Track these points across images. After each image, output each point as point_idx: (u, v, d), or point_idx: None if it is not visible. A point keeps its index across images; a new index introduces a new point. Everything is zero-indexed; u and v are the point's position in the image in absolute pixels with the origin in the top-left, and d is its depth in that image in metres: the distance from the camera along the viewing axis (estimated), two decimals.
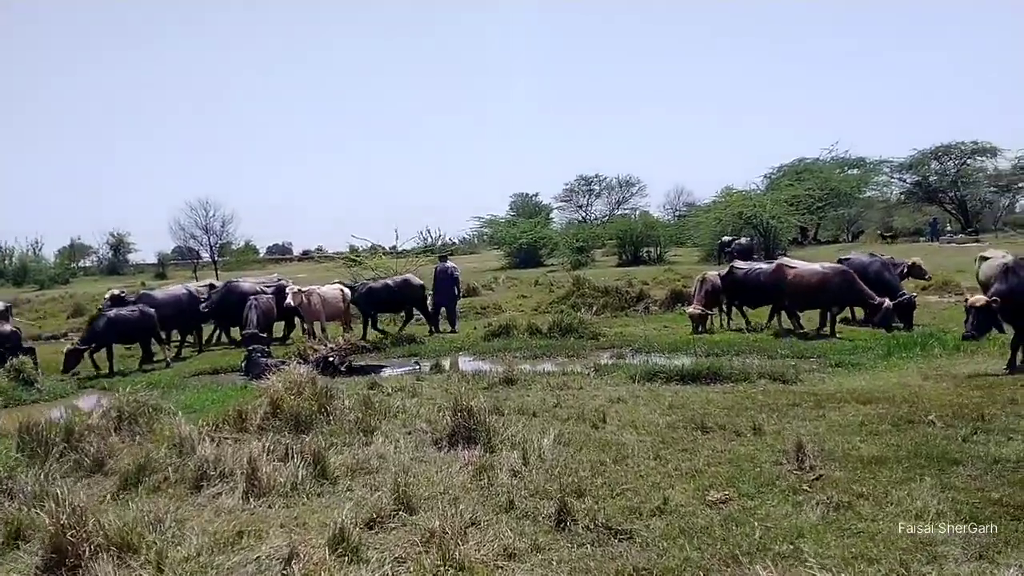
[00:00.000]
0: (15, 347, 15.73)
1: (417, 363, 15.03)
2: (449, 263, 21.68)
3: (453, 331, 20.23)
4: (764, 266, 18.28)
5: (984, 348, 12.29)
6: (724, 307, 18.77)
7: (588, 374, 12.41)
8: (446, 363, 14.95)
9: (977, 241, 47.98)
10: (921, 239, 53.46)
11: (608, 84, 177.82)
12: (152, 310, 17.00)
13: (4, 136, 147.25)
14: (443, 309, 21.13)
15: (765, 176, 63.58)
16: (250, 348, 15.66)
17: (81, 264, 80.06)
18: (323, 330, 19.41)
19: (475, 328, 20.34)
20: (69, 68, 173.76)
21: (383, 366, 14.89)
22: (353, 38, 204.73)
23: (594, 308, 21.89)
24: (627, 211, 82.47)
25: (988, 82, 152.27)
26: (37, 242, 74.79)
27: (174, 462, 7.09)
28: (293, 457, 6.99)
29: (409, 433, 8.46)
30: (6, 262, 69.34)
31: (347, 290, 20.19)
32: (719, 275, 19.84)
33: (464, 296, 28.57)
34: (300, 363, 15.14)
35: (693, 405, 9.43)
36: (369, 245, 32.40)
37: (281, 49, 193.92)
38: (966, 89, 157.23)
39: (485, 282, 33.87)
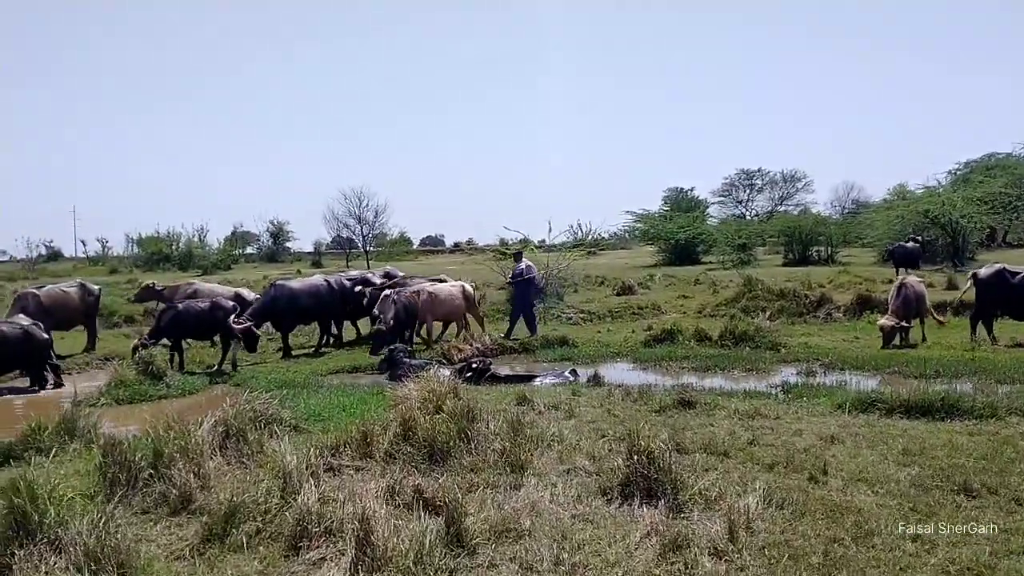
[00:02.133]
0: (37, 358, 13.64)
1: (574, 371, 13.26)
2: (523, 263, 18.95)
3: (532, 335, 17.66)
4: None
5: None
6: (981, 320, 15.69)
7: (781, 398, 10.30)
8: (604, 372, 13.16)
9: None
10: None
11: (768, 73, 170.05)
12: (229, 304, 15.69)
13: (176, 129, 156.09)
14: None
15: (950, 172, 58.24)
16: (392, 347, 14.32)
17: (243, 251, 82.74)
18: (429, 333, 17.90)
19: (632, 331, 18.37)
20: (233, 65, 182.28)
21: (532, 375, 13.19)
22: (503, 25, 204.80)
23: (768, 313, 19.47)
24: (791, 207, 78.23)
25: None
26: (203, 228, 77.73)
27: (273, 505, 5.57)
28: (421, 509, 5.34)
29: (568, 472, 6.67)
30: (173, 247, 72.19)
31: (468, 287, 18.62)
32: (921, 280, 17.14)
33: (619, 294, 26.69)
34: (443, 366, 13.83)
35: (935, 451, 7.19)
36: (520, 238, 30.84)
37: (429, 40, 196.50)
38: None
39: (640, 279, 31.65)
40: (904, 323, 15.35)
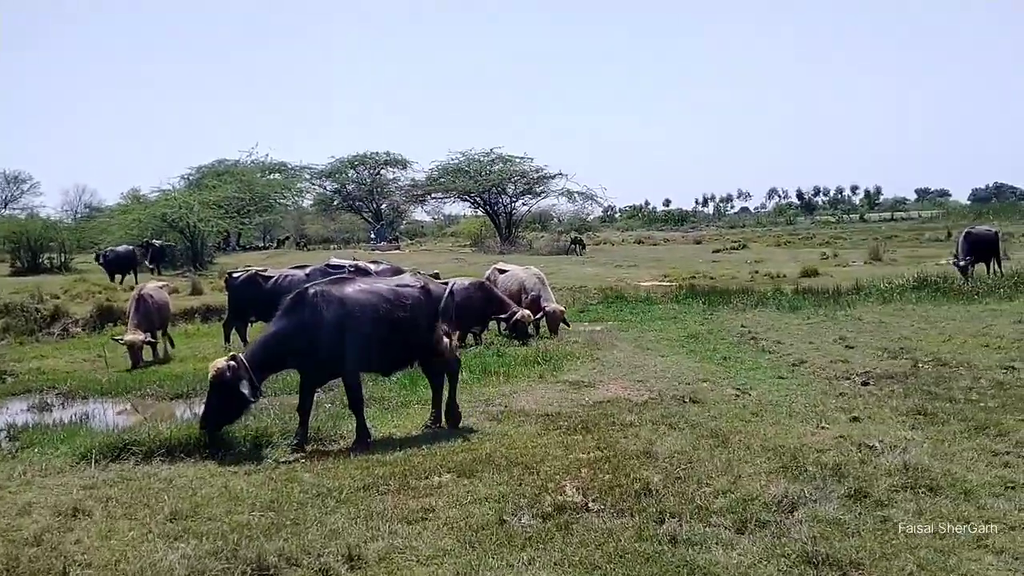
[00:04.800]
0: None
1: None
2: None
3: None
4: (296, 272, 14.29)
5: None
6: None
7: (5, 451, 7.77)
8: None
9: (398, 248, 50.29)
10: (333, 247, 54.59)
11: None
12: None
13: None
14: None
15: (182, 177, 59.05)
16: None
17: None
18: None
19: None
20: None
21: None
22: None
23: None
24: (16, 211, 70.71)
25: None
26: None
27: None
28: None
29: None
30: None
31: None
32: (164, 287, 15.83)
33: None
34: None
35: (212, 507, 5.75)
36: None
37: None
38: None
39: None
40: (151, 337, 13.77)
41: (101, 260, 31.01)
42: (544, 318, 14.32)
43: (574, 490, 5.73)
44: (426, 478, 6.29)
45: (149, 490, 6.22)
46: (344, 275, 9.67)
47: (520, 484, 6.02)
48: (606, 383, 9.97)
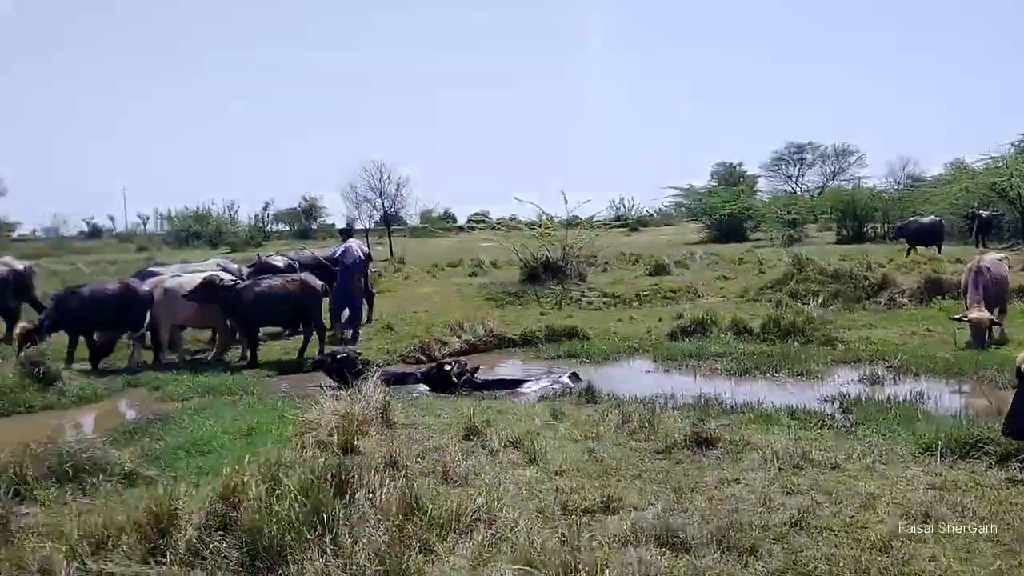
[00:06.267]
0: None
1: (575, 375, 10.57)
2: (352, 243, 15.03)
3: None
4: None
5: None
6: None
7: (839, 424, 7.45)
8: (612, 375, 10.47)
9: None
10: None
11: (819, 45, 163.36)
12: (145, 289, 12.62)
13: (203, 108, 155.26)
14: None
15: (1013, 144, 53.67)
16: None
17: (274, 228, 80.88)
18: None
19: (659, 320, 15.44)
20: (247, 41, 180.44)
21: (519, 379, 10.51)
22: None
23: (821, 298, 16.43)
24: (843, 182, 73.96)
25: None
26: (233, 204, 76.30)
27: None
28: None
29: None
30: (204, 225, 70.58)
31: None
32: (1003, 259, 13.95)
33: (651, 274, 23.66)
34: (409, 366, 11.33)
35: None
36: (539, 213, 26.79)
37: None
38: None
39: (679, 258, 28.30)
40: (993, 318, 12.23)
41: (900, 232, 29.99)
42: None
43: None
44: None
45: (1010, 505, 5.06)
46: None
47: None
48: None
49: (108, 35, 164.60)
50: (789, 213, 45.46)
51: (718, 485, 5.56)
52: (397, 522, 4.32)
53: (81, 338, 12.17)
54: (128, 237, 76.03)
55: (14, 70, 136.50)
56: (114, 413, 9.76)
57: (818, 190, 72.34)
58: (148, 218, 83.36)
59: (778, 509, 5.09)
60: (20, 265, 15.44)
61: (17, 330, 12.30)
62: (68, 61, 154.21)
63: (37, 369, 10.03)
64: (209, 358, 13.02)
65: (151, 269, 15.11)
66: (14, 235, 75.20)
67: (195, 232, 68.84)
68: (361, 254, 14.65)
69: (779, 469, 5.89)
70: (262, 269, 14.90)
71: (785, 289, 17.79)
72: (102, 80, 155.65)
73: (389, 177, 54.01)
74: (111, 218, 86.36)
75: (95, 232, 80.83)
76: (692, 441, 6.49)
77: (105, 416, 9.65)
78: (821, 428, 7.32)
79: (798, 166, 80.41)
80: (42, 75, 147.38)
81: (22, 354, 10.59)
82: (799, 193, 70.21)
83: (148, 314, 12.25)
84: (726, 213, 47.53)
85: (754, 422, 7.49)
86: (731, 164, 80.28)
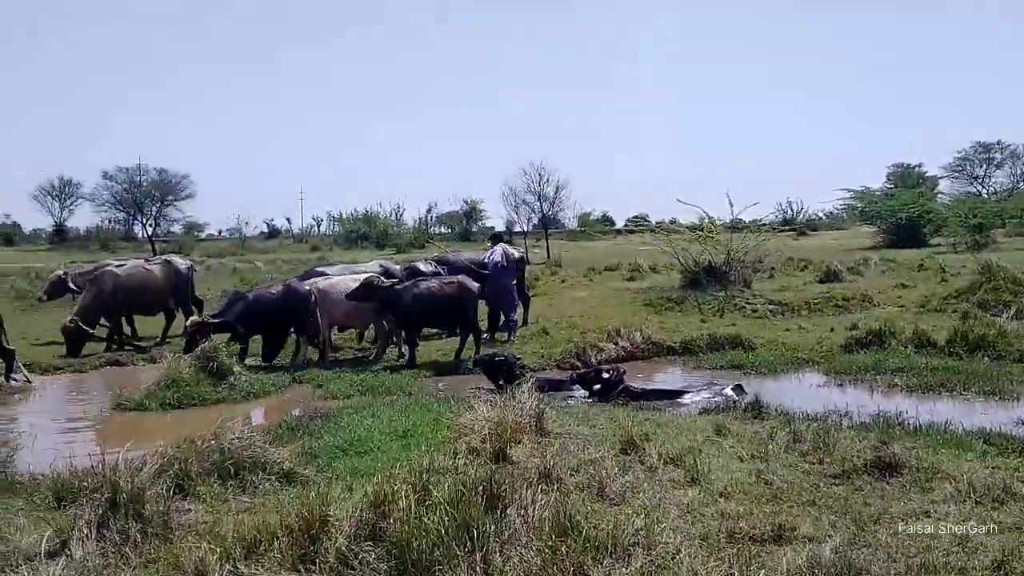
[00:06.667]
0: None
1: (739, 387, 10.03)
2: (499, 248, 15.00)
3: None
4: None
5: None
6: None
7: None
8: (779, 389, 9.83)
9: None
10: None
11: (1007, 33, 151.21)
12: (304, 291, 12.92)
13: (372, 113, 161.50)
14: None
15: None
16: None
17: (436, 230, 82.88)
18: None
19: (832, 330, 14.52)
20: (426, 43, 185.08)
21: (679, 390, 10.05)
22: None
23: (1014, 309, 15.00)
24: None
25: None
26: (399, 207, 78.77)
27: None
28: None
29: None
30: (371, 226, 73.15)
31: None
32: None
33: (821, 281, 22.47)
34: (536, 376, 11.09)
35: None
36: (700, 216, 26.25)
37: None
38: None
39: (852, 263, 26.75)
40: None
41: None
42: None
43: None
44: None
45: None
46: None
47: None
48: None
49: (287, 48, 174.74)
50: (975, 216, 42.25)
51: (905, 518, 4.99)
52: (550, 543, 4.06)
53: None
54: (303, 238, 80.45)
55: (209, 83, 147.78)
56: (280, 409, 10.06)
57: (1007, 192, 67.33)
58: (322, 220, 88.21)
59: (977, 550, 4.50)
60: (183, 264, 16.37)
61: (188, 323, 12.87)
62: (250, 74, 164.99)
63: (211, 364, 10.50)
64: (371, 358, 13.28)
65: (318, 269, 15.60)
66: (202, 235, 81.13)
67: (363, 233, 71.39)
68: (506, 259, 14.62)
69: (976, 502, 5.24)
70: (412, 273, 15.06)
71: (973, 299, 16.38)
72: (281, 93, 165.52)
73: (548, 180, 54.24)
74: (288, 220, 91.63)
75: (273, 233, 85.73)
76: (873, 465, 5.89)
77: (271, 412, 10.00)
78: (1021, 456, 6.53)
79: (985, 166, 75.27)
80: (222, 87, 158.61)
81: (198, 349, 11.03)
82: (985, 195, 65.50)
83: (309, 314, 12.61)
84: (904, 216, 44.77)
85: (943, 446, 6.78)
86: (909, 165, 75.84)
